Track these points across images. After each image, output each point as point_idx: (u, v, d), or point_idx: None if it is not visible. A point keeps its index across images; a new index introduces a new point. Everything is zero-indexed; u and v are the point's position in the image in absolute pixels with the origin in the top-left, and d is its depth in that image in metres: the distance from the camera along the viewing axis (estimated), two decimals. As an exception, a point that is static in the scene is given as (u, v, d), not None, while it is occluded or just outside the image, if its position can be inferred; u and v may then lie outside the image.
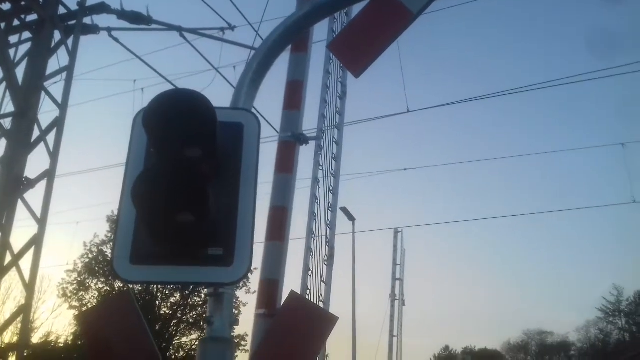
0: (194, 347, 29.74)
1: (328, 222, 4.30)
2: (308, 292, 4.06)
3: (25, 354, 8.00)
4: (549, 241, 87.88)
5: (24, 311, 7.48)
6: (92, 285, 29.60)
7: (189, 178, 2.43)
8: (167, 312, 28.90)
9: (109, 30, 8.56)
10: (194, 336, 30.00)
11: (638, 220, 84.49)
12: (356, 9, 3.84)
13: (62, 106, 7.92)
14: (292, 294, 2.69)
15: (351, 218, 22.49)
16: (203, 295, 30.00)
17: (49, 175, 7.58)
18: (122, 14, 8.47)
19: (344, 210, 21.49)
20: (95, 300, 28.57)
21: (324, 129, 4.63)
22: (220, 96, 2.68)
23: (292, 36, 3.43)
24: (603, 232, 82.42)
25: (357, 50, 2.81)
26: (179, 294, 29.90)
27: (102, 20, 8.66)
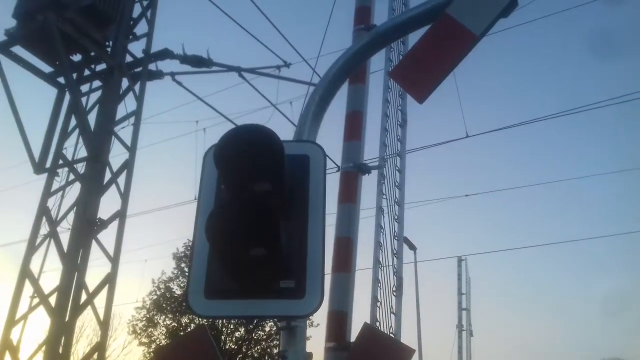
0: (259, 381, 29.71)
1: (395, 252, 4.23)
2: (378, 323, 3.98)
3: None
4: (624, 263, 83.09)
5: (99, 349, 7.73)
6: (160, 321, 30.27)
7: (260, 212, 2.46)
8: (232, 346, 29.09)
9: (172, 74, 8.97)
10: (259, 371, 30.01)
11: None
12: (412, 37, 3.86)
13: (132, 149, 8.29)
14: (366, 325, 2.65)
15: (412, 247, 22.11)
16: (267, 329, 30.11)
17: (121, 215, 7.90)
18: (185, 59, 8.86)
19: (405, 239, 21.14)
20: (163, 336, 29.17)
21: (385, 157, 4.61)
22: (278, 132, 2.73)
23: (352, 68, 3.46)
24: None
25: (420, 76, 2.80)
26: (243, 329, 30.10)
27: (165, 65, 9.09)
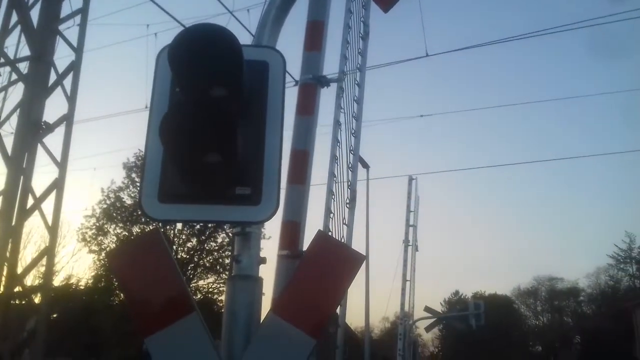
0: (210, 289, 30.60)
1: (350, 165, 4.27)
2: (330, 233, 4.08)
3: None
4: (561, 189, 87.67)
5: (48, 254, 7.67)
6: (111, 230, 30.28)
7: (217, 118, 2.39)
8: (185, 256, 29.60)
9: (121, -29, 8.36)
10: (210, 279, 30.84)
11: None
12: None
13: (78, 50, 7.85)
14: (320, 233, 2.70)
15: (365, 165, 22.49)
16: (220, 240, 30.63)
17: (68, 119, 7.60)
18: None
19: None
20: (113, 245, 29.28)
21: (345, 71, 4.53)
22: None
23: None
24: (618, 179, 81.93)
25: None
26: (195, 239, 30.55)
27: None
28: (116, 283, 27.13)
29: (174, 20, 9.55)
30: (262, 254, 2.81)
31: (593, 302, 60.61)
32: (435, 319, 28.33)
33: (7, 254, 7.01)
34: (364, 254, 2.55)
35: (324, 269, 2.54)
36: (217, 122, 2.39)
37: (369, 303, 23.27)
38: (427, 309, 27.86)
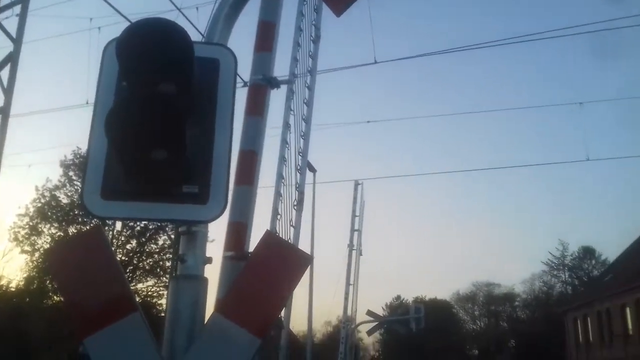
0: (149, 293, 29.85)
1: (298, 167, 4.28)
2: (277, 234, 4.08)
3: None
4: (500, 196, 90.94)
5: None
6: (45, 230, 29.05)
7: (164, 114, 2.35)
8: (124, 258, 28.74)
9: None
10: (149, 282, 30.09)
11: (589, 178, 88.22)
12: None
13: (17, 41, 7.51)
14: (268, 232, 2.69)
15: (312, 169, 22.55)
16: (160, 242, 29.94)
17: (4, 112, 7.24)
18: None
19: (305, 161, 21.44)
20: (47, 245, 28.09)
21: (296, 73, 4.54)
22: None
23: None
24: (554, 188, 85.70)
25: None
26: (135, 241, 29.74)
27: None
28: (50, 285, 26.10)
29: (119, 15, 9.25)
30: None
31: (528, 307, 63.10)
32: (377, 323, 28.72)
33: None
34: (311, 255, 2.56)
35: (271, 268, 2.53)
36: (165, 117, 2.34)
37: (312, 305, 23.26)
38: (370, 313, 28.17)
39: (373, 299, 79.36)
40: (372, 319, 28.22)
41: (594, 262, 59.43)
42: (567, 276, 60.50)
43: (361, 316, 27.70)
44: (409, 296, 67.05)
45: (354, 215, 24.26)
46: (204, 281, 2.68)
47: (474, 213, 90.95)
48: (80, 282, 2.49)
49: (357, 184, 24.75)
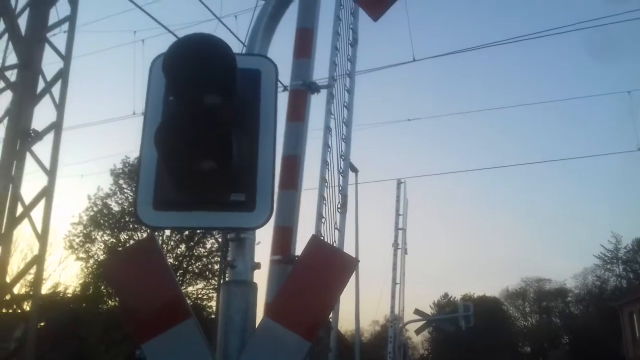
0: (199, 295, 30.45)
1: (341, 170, 4.32)
2: (322, 238, 4.13)
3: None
4: (549, 190, 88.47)
5: (37, 262, 7.61)
6: (98, 237, 30.03)
7: (211, 125, 2.44)
8: (174, 262, 29.40)
9: (109, -23, 8.36)
10: (199, 285, 30.69)
11: None
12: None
13: (66, 58, 7.82)
14: (314, 237, 2.74)
15: (354, 169, 22.54)
16: (208, 246, 30.50)
17: (56, 127, 7.56)
18: (123, -39, 8.24)
19: (347, 161, 21.44)
20: (101, 252, 29.06)
21: (335, 77, 4.59)
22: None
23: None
24: (605, 180, 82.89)
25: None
26: (184, 246, 30.38)
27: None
28: (105, 290, 26.98)
29: (161, 27, 9.54)
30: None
31: (580, 302, 61.15)
32: (425, 322, 28.44)
33: (-3, 263, 6.96)
34: (357, 259, 2.60)
35: (318, 273, 2.58)
36: (212, 129, 2.44)
37: (359, 306, 23.26)
38: (417, 312, 27.94)
39: (420, 298, 78.70)
40: (419, 317, 27.98)
41: (649, 254, 57.15)
42: (621, 270, 58.34)
43: (409, 315, 27.52)
44: (456, 294, 66.04)
45: (397, 214, 24.14)
46: (254, 286, 2.75)
47: (519, 208, 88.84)
48: (137, 290, 2.61)
49: (399, 182, 24.62)
